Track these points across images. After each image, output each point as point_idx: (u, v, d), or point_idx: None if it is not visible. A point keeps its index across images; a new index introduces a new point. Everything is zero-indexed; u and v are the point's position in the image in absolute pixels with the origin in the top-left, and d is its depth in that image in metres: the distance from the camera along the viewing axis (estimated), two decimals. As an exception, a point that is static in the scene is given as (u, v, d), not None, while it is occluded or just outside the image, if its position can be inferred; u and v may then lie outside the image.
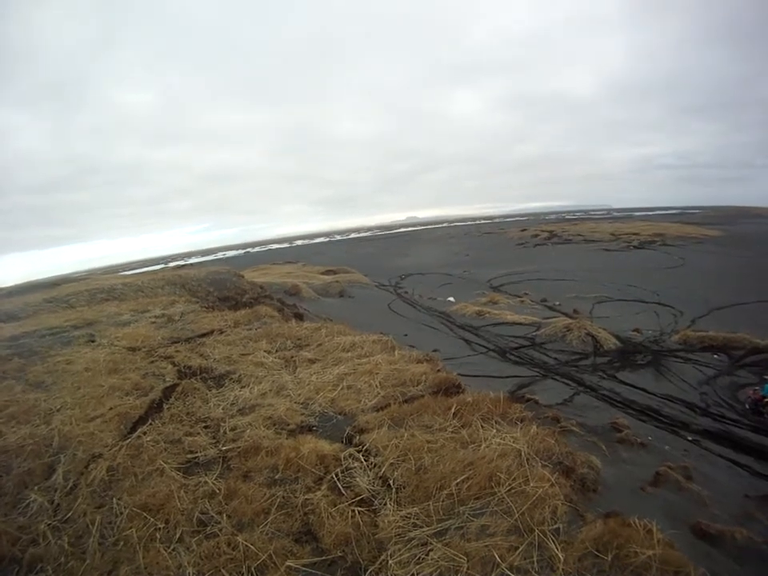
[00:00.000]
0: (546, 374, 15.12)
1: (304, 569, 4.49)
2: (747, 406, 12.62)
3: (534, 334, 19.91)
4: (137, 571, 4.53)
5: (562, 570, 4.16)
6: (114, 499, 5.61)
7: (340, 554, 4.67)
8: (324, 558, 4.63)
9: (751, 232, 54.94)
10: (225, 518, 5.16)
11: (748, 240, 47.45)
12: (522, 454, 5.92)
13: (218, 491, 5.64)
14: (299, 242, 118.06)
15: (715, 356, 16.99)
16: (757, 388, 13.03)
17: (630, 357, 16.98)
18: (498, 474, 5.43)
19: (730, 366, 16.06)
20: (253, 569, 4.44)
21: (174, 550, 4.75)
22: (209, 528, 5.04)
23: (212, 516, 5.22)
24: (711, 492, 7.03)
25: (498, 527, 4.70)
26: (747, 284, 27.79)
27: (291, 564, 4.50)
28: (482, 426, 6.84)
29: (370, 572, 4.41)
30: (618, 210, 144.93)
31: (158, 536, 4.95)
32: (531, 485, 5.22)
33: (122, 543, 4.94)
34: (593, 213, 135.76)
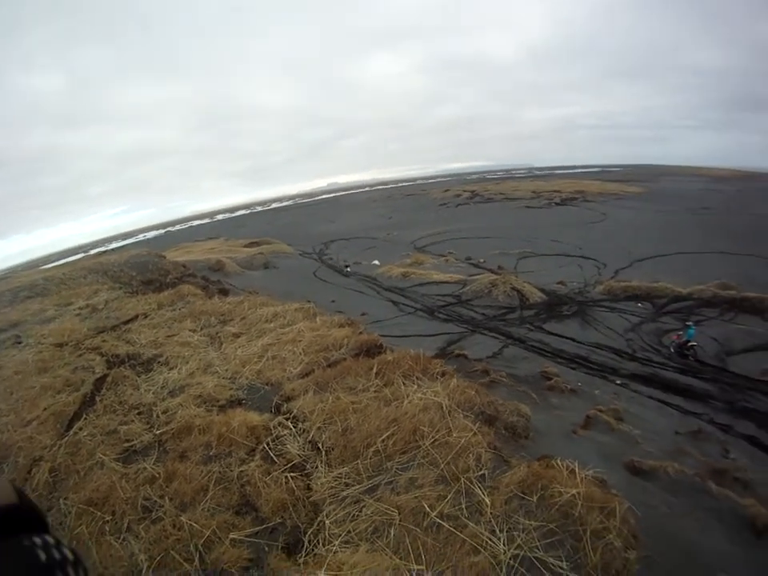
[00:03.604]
0: (475, 329, 15.58)
1: (248, 539, 4.71)
2: (672, 350, 13.53)
3: (460, 291, 20.23)
4: (92, 567, 4.58)
5: (491, 513, 4.51)
6: (61, 500, 5.60)
7: (279, 521, 4.94)
8: (265, 526, 4.88)
9: (670, 188, 57.17)
10: (167, 500, 5.30)
11: (668, 196, 49.49)
12: (444, 406, 6.32)
13: (157, 475, 5.74)
14: (220, 217, 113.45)
15: (639, 305, 17.84)
16: (680, 333, 13.93)
17: (556, 308, 17.65)
18: (422, 427, 5.80)
19: (654, 313, 16.96)
20: (200, 546, 4.61)
21: (123, 540, 4.85)
22: (153, 513, 5.17)
23: (155, 501, 5.34)
24: (642, 431, 7.71)
25: (426, 478, 5.06)
26: (667, 236, 29.10)
27: (235, 536, 4.72)
28: (403, 383, 7.19)
29: (309, 534, 4.68)
30: (539, 169, 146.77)
31: (107, 528, 5.02)
32: (454, 435, 5.62)
33: (74, 542, 4.94)
34: (514, 172, 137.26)
